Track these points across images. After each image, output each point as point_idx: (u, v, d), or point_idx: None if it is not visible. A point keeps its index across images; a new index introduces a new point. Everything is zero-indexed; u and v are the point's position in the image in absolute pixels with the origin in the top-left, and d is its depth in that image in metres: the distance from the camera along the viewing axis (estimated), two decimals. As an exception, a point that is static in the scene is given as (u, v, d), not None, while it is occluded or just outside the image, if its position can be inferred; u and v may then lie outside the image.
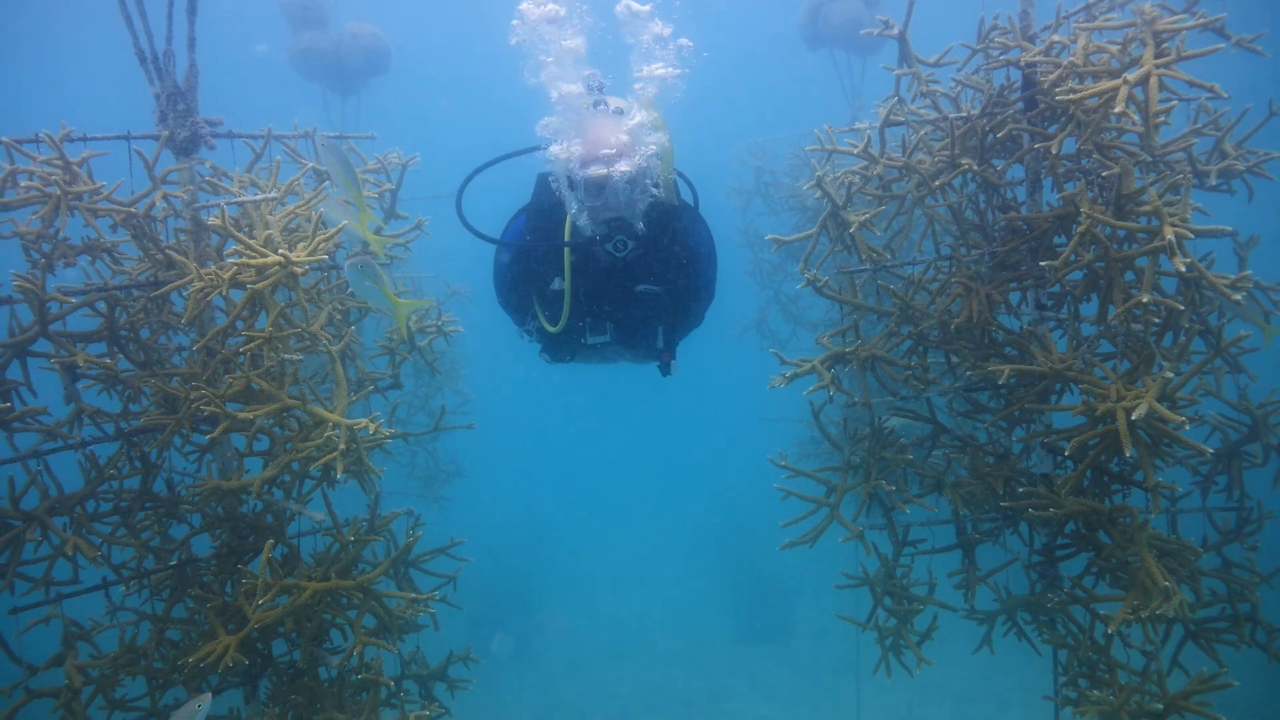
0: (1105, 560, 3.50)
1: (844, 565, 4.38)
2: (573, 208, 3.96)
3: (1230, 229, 3.16)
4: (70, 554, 3.94)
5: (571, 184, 3.89)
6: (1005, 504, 3.62)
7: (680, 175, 4.24)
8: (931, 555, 4.26)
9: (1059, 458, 3.97)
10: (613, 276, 4.09)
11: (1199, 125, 3.89)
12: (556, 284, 4.13)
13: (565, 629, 12.72)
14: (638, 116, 4.00)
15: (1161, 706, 3.09)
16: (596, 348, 4.34)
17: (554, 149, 4.00)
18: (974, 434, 4.22)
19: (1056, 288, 3.84)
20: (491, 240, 4.24)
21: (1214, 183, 3.73)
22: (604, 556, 15.12)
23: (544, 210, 4.13)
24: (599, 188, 3.79)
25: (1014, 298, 4.01)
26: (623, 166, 3.76)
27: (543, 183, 4.23)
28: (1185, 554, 3.59)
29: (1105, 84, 2.92)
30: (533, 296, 4.32)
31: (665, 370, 4.41)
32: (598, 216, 3.87)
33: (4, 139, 4.04)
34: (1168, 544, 3.48)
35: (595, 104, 4.02)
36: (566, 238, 4.03)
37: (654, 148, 3.95)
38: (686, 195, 4.31)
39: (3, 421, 3.89)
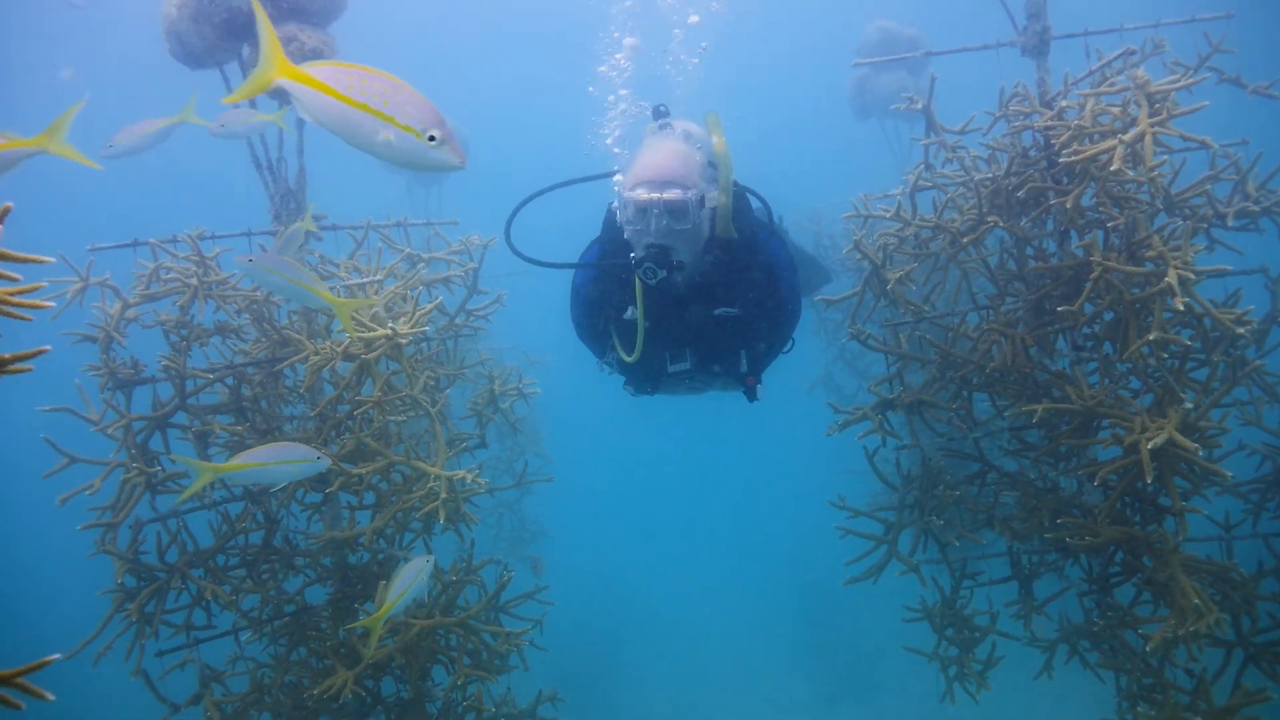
0: (1149, 584, 3.72)
1: (924, 624, 4.57)
2: (625, 230, 3.90)
3: (1229, 268, 3.42)
4: (209, 598, 4.45)
5: (623, 204, 3.82)
6: (1048, 534, 3.87)
7: (752, 193, 4.15)
8: (989, 587, 4.50)
9: (1109, 490, 4.20)
10: (688, 302, 3.97)
11: (1218, 170, 4.17)
12: (630, 312, 4.03)
13: (646, 688, 12.86)
14: (699, 142, 3.90)
15: (1200, 719, 3.28)
16: (680, 377, 4.24)
17: (618, 174, 3.94)
18: (1023, 470, 4.48)
19: (1089, 329, 4.12)
20: (531, 261, 4.15)
21: (1231, 224, 3.99)
22: (684, 616, 15.23)
23: (615, 240, 4.06)
24: (642, 211, 3.70)
25: (1056, 342, 4.31)
26: (670, 194, 3.64)
27: (611, 213, 4.19)
28: (1228, 575, 3.78)
29: (1103, 144, 3.27)
30: (610, 327, 4.27)
31: (751, 396, 4.25)
32: (639, 240, 3.80)
33: (152, 241, 4.70)
34: (1205, 566, 3.68)
35: (661, 126, 3.98)
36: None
37: (709, 179, 3.83)
38: (762, 213, 4.23)
39: (150, 485, 4.47)
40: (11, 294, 1.90)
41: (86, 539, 4.51)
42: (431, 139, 2.55)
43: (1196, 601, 3.24)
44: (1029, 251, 4.29)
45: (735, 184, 3.93)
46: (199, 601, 4.61)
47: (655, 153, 3.78)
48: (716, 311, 3.96)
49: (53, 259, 2.16)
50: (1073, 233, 4.17)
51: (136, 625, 4.46)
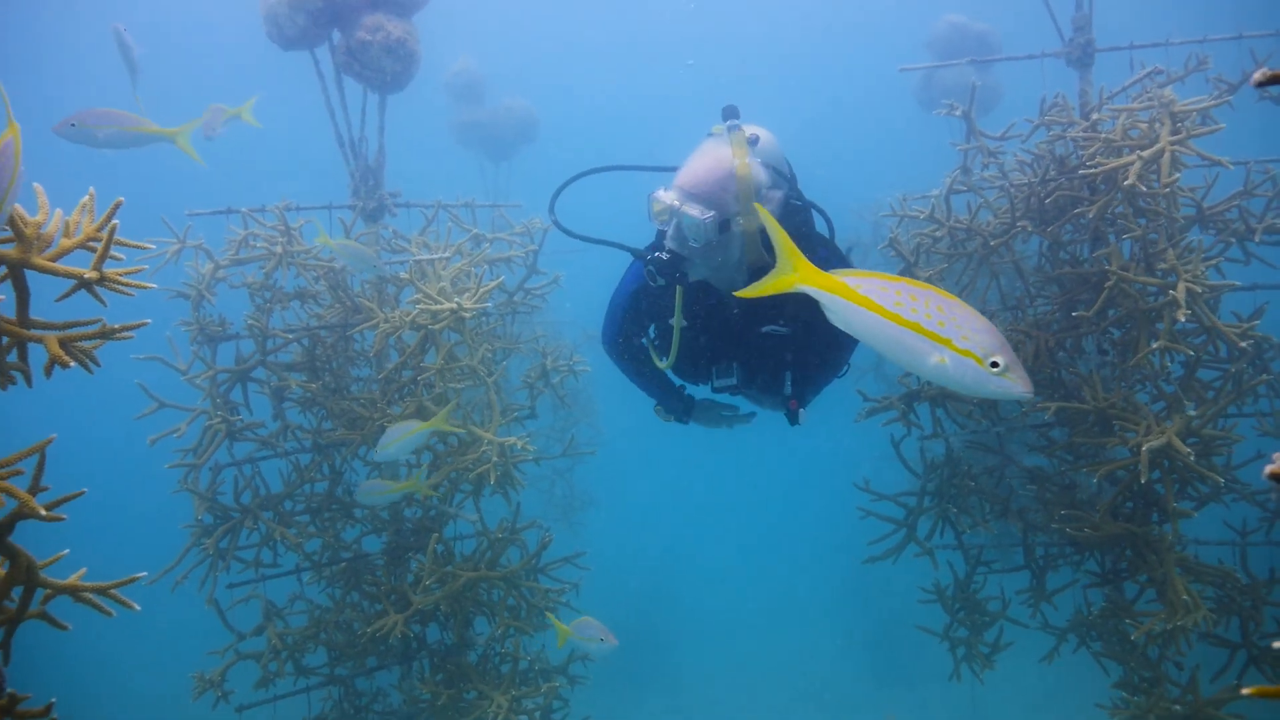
0: (1151, 581, 3.90)
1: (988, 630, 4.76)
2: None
3: (1237, 283, 3.56)
4: (277, 539, 4.90)
5: (653, 199, 3.58)
6: (1054, 525, 4.07)
7: (815, 207, 3.87)
8: (1003, 575, 4.71)
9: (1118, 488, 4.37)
10: (734, 316, 3.78)
11: (1252, 185, 4.27)
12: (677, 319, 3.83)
13: (694, 659, 13.20)
14: (766, 150, 3.62)
15: (1180, 709, 3.47)
16: (726, 392, 4.05)
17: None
18: (1042, 467, 4.66)
19: (1117, 333, 4.28)
20: (569, 233, 3.94)
21: (1260, 239, 4.10)
22: (732, 593, 15.54)
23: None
24: (664, 213, 3.49)
25: (1087, 345, 4.47)
26: (689, 208, 3.38)
27: None
28: (1232, 579, 3.95)
29: (1122, 159, 3.43)
30: (645, 334, 4.13)
31: (792, 420, 4.01)
32: (662, 242, 3.62)
33: (243, 209, 5.14)
34: (1208, 570, 3.85)
35: (730, 129, 3.66)
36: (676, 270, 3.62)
37: (762, 196, 3.50)
38: (823, 229, 3.90)
39: (230, 432, 4.92)
40: (120, 275, 2.28)
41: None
42: (994, 365, 2.35)
43: (1185, 598, 3.43)
44: (1063, 256, 4.45)
45: (802, 200, 3.73)
46: (267, 541, 5.06)
47: (699, 160, 3.52)
48: (764, 329, 3.73)
49: (152, 245, 2.52)
50: (1112, 238, 4.33)
51: (211, 558, 4.93)
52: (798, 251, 2.41)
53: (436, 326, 4.58)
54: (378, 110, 5.60)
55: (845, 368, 4.21)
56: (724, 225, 3.42)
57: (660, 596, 14.63)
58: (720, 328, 3.85)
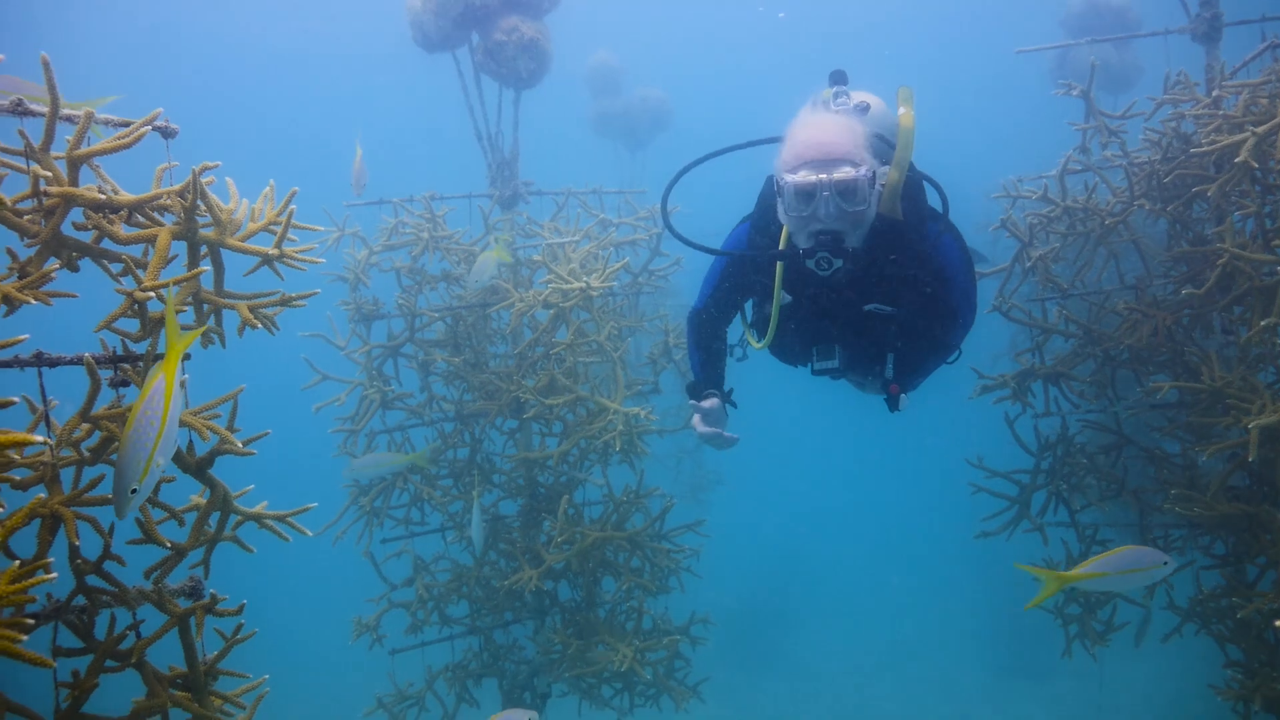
0: (1271, 563, 3.87)
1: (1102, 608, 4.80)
2: (783, 216, 3.44)
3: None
4: (424, 499, 5.39)
5: (779, 189, 3.35)
6: (1166, 505, 4.07)
7: (928, 179, 3.62)
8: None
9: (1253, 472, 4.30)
10: (836, 293, 3.55)
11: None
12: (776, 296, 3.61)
13: (814, 642, 13.29)
14: (875, 116, 3.48)
15: (1283, 687, 3.46)
16: (827, 375, 3.83)
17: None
18: (1162, 447, 4.63)
19: (1239, 311, 4.22)
20: (689, 243, 3.71)
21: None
22: (853, 578, 15.51)
23: (769, 217, 3.60)
24: (807, 196, 3.26)
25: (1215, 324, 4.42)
26: (841, 174, 3.21)
27: (769, 186, 3.66)
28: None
29: (1236, 136, 3.42)
30: (743, 314, 4.00)
31: (892, 405, 3.74)
32: (804, 228, 3.35)
33: (394, 199, 5.64)
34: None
35: (836, 95, 3.55)
36: (782, 247, 3.50)
37: (876, 152, 3.35)
38: (935, 202, 3.59)
39: (384, 402, 5.44)
40: (295, 252, 2.69)
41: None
42: None
43: (1296, 575, 3.41)
44: (1188, 235, 4.42)
45: (912, 168, 3.52)
46: (416, 502, 5.57)
47: (815, 129, 3.34)
48: (867, 307, 3.51)
49: (321, 229, 2.93)
50: (1236, 217, 4.27)
51: (367, 516, 5.47)
52: None
53: (567, 305, 4.94)
54: (513, 106, 6.00)
55: (956, 353, 3.91)
56: (872, 180, 3.27)
57: (782, 577, 14.74)
58: (821, 305, 3.62)
